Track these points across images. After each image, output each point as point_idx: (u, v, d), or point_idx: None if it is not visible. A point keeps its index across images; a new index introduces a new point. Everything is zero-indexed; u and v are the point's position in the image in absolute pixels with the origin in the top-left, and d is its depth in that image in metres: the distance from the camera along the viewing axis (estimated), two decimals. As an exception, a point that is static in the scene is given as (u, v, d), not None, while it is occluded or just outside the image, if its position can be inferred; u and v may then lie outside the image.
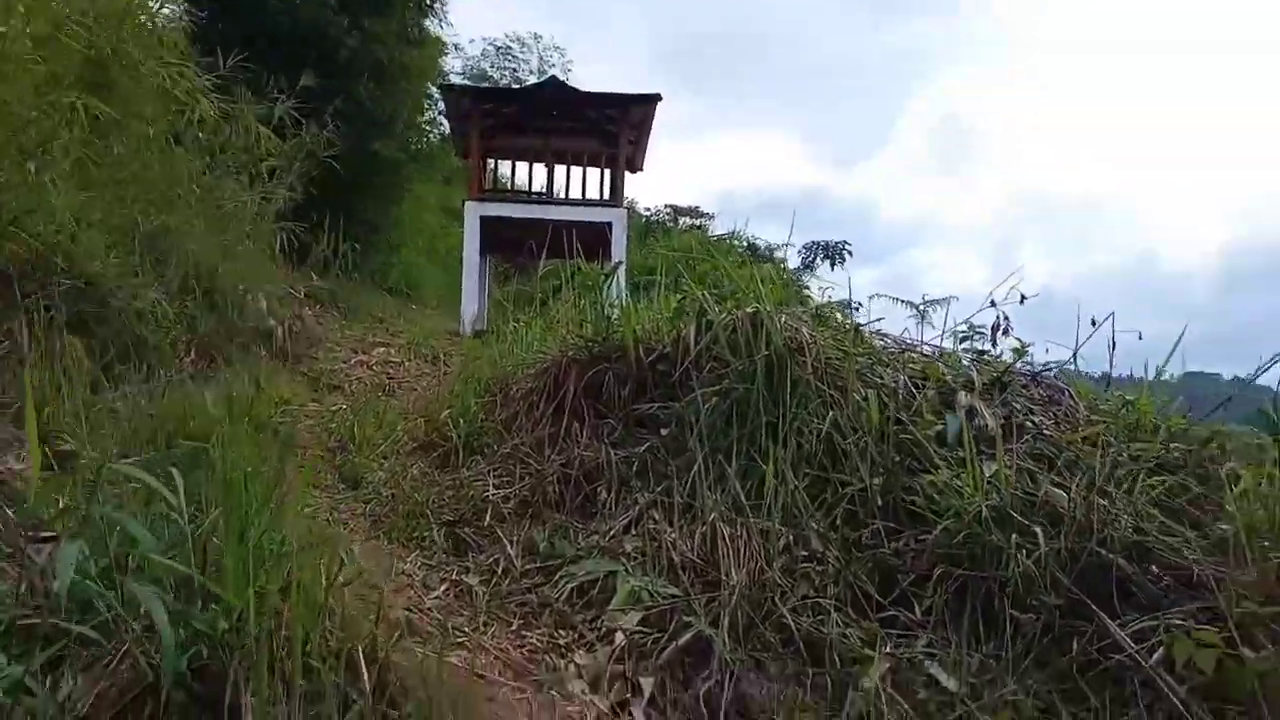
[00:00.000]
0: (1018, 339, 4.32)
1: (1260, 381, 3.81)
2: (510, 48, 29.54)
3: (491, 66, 28.78)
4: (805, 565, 2.91)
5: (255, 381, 4.76)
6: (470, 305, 13.90)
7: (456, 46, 24.47)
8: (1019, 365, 4.12)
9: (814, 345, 3.44)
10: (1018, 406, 3.69)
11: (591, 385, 4.01)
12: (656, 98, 14.80)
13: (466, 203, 14.74)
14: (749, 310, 3.55)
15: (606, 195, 15.91)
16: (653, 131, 16.03)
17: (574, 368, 4.09)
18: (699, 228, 31.15)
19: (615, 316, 4.31)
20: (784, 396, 3.32)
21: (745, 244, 26.22)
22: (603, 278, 4.44)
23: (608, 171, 15.88)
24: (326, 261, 10.94)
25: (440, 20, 18.32)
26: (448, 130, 17.48)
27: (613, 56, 52.78)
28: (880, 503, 3.09)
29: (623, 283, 13.52)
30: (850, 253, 22.81)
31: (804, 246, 22.94)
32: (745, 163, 63.31)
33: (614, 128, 15.60)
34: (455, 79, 22.58)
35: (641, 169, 17.54)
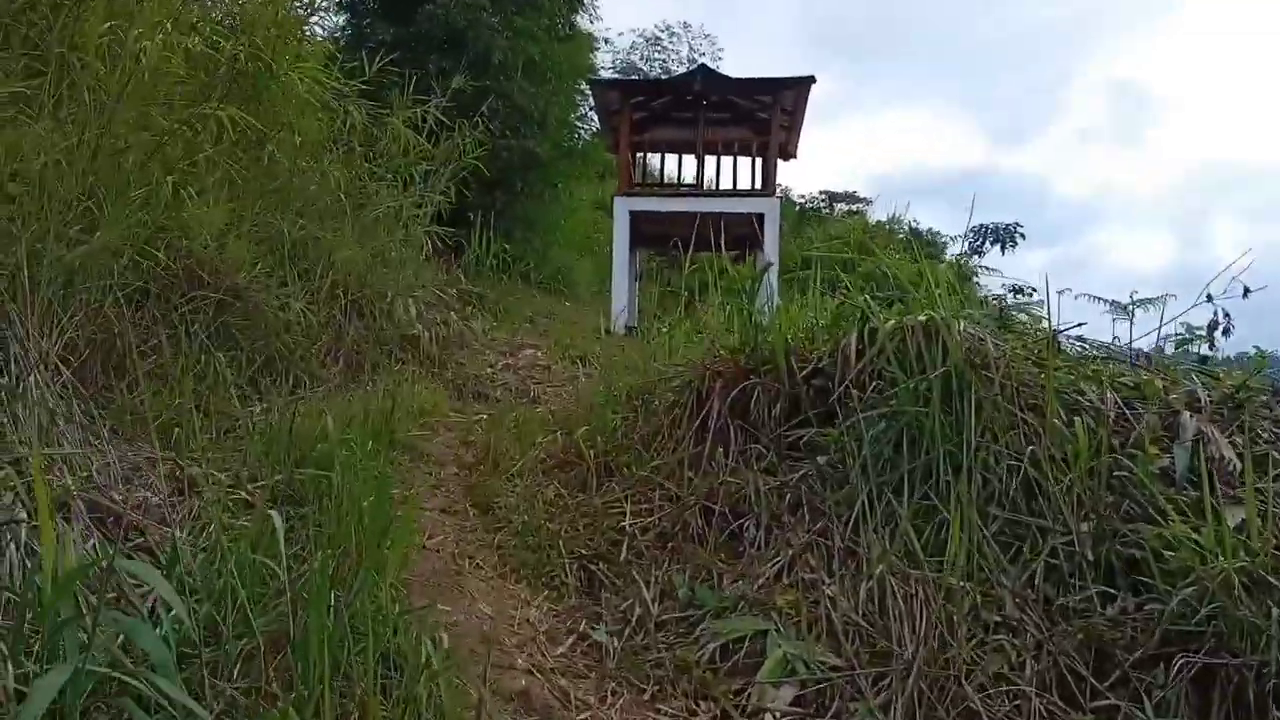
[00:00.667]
0: (1256, 347, 3.60)
1: None
2: (660, 38, 29.31)
3: (641, 58, 28.63)
4: (998, 635, 2.40)
5: (390, 395, 4.60)
6: (619, 302, 13.70)
7: (606, 40, 24.47)
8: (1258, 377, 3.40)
9: (1002, 359, 2.89)
10: (1261, 433, 3.00)
11: (738, 402, 3.58)
12: (810, 80, 14.11)
13: (615, 198, 14.55)
14: (921, 318, 3.03)
15: (758, 184, 15.36)
16: (806, 115, 15.35)
17: (719, 381, 3.68)
18: (856, 214, 29.98)
19: (765, 323, 3.87)
20: (966, 421, 2.79)
21: (907, 230, 25.02)
22: (750, 281, 3.98)
23: (760, 160, 15.31)
24: (479, 262, 11.02)
25: (590, 15, 18.32)
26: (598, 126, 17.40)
27: (762, 39, 51.59)
28: (1091, 557, 2.53)
29: (774, 282, 12.95)
30: (1023, 235, 21.10)
31: (971, 230, 21.45)
32: (904, 143, 60.65)
33: (766, 114, 15.00)
34: (605, 73, 22.57)
35: (795, 156, 16.86)
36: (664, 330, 6.20)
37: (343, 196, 6.39)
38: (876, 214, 28.56)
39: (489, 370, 7.13)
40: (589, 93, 16.58)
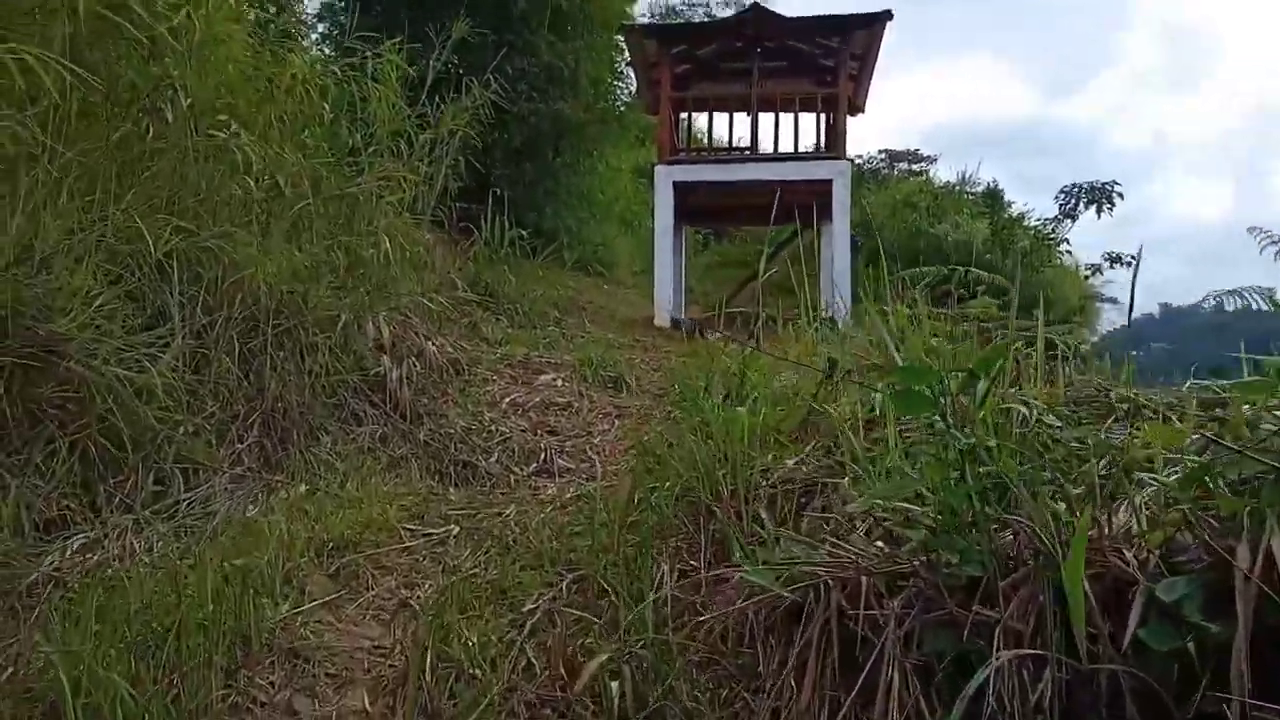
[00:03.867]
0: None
1: None
2: (704, -21, 26.36)
3: (684, 2, 25.79)
4: None
5: (240, 556, 2.64)
6: (665, 289, 11.64)
7: (643, -15, 22.01)
8: None
9: None
10: None
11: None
12: (886, 16, 11.74)
13: (656, 167, 12.40)
14: None
15: (823, 146, 13.15)
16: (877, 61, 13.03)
17: (893, 601, 1.66)
18: (919, 174, 27.27)
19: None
20: None
21: (982, 192, 22.32)
22: (941, 383, 1.81)
23: (825, 116, 13.07)
24: (491, 251, 9.07)
25: (625, -42, 16.10)
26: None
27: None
28: None
29: (846, 261, 10.57)
30: (1121, 195, 18.54)
31: (1062, 191, 18.88)
32: (955, 94, 57.01)
33: (832, 61, 12.73)
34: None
35: (863, 110, 14.53)
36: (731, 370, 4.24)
37: (253, 183, 4.40)
38: (941, 173, 25.96)
39: (487, 416, 5.16)
40: (624, 45, 14.41)
